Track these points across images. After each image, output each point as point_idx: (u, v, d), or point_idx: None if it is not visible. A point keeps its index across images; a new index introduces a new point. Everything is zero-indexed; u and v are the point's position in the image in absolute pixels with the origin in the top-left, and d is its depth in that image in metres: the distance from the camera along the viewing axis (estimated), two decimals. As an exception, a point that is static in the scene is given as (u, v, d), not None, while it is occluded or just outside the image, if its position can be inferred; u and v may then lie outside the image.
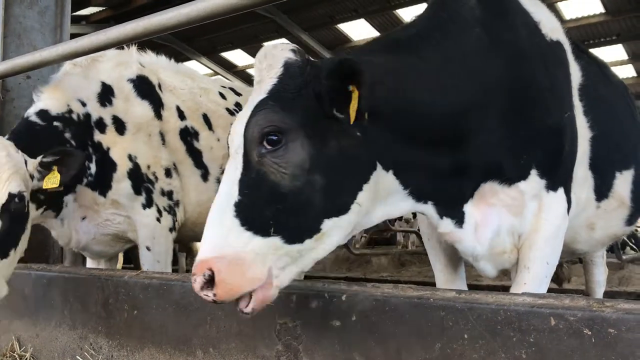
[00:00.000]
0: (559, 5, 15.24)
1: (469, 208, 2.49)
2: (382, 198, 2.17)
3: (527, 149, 2.45)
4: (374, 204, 2.12)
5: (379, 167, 2.10)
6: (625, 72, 18.57)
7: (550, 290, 2.67)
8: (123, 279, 2.50)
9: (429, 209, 2.37)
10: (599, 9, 15.28)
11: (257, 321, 2.05)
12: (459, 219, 2.44)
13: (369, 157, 2.06)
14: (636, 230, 14.52)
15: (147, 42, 3.27)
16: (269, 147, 1.83)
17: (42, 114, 3.34)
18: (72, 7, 4.46)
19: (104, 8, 16.28)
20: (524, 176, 2.45)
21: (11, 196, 2.89)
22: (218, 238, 1.75)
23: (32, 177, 3.07)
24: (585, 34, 16.60)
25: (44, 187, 3.11)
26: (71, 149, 3.35)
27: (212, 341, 2.15)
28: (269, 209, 1.79)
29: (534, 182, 2.46)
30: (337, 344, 1.86)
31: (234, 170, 1.84)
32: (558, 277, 5.26)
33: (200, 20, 2.31)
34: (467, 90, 2.34)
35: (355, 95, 1.90)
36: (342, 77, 1.88)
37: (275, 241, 1.78)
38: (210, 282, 1.67)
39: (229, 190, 1.80)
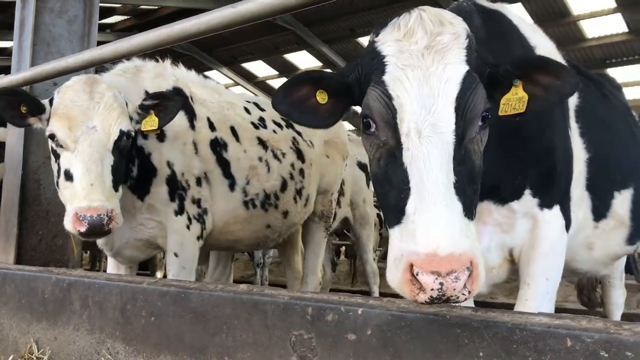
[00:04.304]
0: (582, 23, 15.18)
1: None
2: None
3: (521, 170, 2.51)
4: None
5: None
6: (647, 92, 18.39)
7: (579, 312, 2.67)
8: (142, 286, 2.53)
9: None
10: (622, 28, 15.19)
11: (272, 332, 2.06)
12: None
13: None
14: (656, 253, 14.30)
15: (168, 51, 3.36)
16: (482, 123, 1.77)
17: None
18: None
19: (129, 17, 16.56)
20: (517, 196, 2.53)
21: (122, 133, 3.18)
22: (458, 225, 1.54)
23: (131, 119, 3.30)
24: (607, 53, 16.51)
25: (142, 129, 3.35)
26: (170, 92, 3.56)
27: (228, 350, 2.17)
28: (473, 192, 1.72)
29: (526, 201, 2.54)
30: (351, 357, 1.87)
31: (439, 151, 1.63)
32: (590, 301, 5.21)
33: (221, 28, 2.35)
34: None
35: (517, 90, 1.91)
36: (523, 71, 1.89)
37: (474, 224, 1.67)
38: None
39: (445, 171, 1.61)
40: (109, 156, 3.12)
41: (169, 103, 3.33)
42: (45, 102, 3.27)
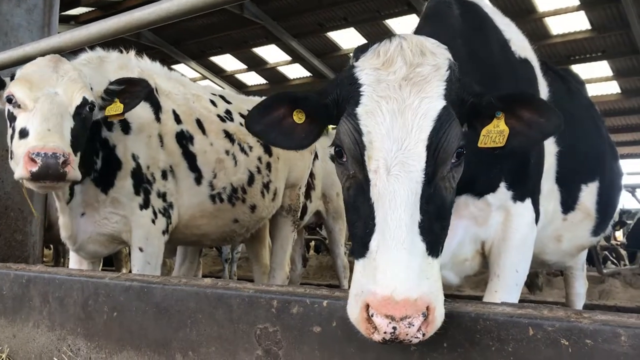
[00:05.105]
0: (547, 20, 15.46)
1: None
2: None
3: (497, 164, 2.51)
4: None
5: None
6: (609, 88, 18.88)
7: (522, 298, 2.71)
8: (103, 281, 2.47)
9: None
10: (586, 25, 15.52)
11: (237, 325, 2.04)
12: None
13: None
14: (617, 245, 14.71)
15: (135, 44, 3.29)
16: (455, 160, 1.70)
17: None
18: (62, 7, 4.44)
19: (94, 9, 16.24)
20: (493, 189, 2.55)
21: (85, 100, 3.08)
22: (418, 268, 1.50)
23: (95, 104, 3.20)
24: (571, 50, 16.85)
25: (106, 115, 3.25)
26: (136, 78, 3.43)
27: (192, 345, 2.13)
28: (441, 228, 1.67)
29: (501, 193, 2.57)
30: (317, 350, 1.86)
31: (406, 190, 1.58)
32: (532, 283, 5.32)
33: (180, 15, 2.33)
34: None
35: (499, 123, 1.86)
36: (507, 104, 1.83)
37: (439, 262, 1.63)
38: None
39: (410, 211, 1.56)
40: (69, 118, 3.00)
41: (134, 89, 3.26)
42: (7, 78, 3.17)
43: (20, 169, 2.79)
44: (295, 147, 2.03)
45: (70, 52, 3.31)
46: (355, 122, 1.68)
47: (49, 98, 2.95)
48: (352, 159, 1.69)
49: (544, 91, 2.94)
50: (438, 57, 1.79)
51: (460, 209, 2.53)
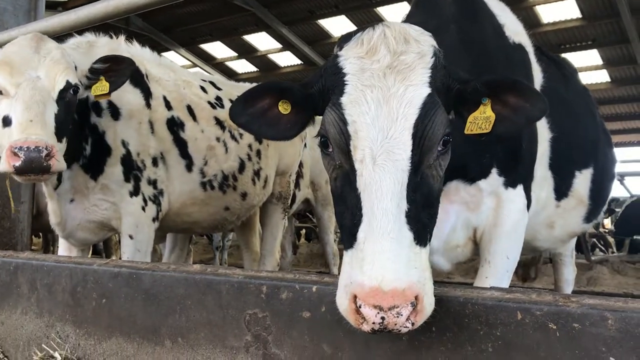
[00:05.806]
0: (538, 8, 15.45)
1: None
2: None
3: (489, 150, 2.50)
4: None
5: None
6: (599, 77, 18.94)
7: (512, 284, 2.72)
8: (92, 267, 2.46)
9: None
10: (576, 13, 15.52)
11: (226, 311, 2.04)
12: None
13: None
14: (605, 232, 14.83)
15: (125, 30, 3.24)
16: (441, 148, 1.69)
17: None
18: (48, -9, 4.40)
19: (82, -5, 16.03)
20: (485, 175, 2.54)
21: (68, 84, 3.03)
22: (406, 258, 1.49)
23: (80, 83, 3.16)
24: (561, 38, 16.86)
25: (93, 94, 3.20)
26: (121, 55, 3.36)
27: (181, 331, 2.13)
28: (428, 217, 1.66)
29: (492, 179, 2.57)
30: (306, 335, 1.86)
31: (392, 179, 1.57)
32: (529, 276, 5.31)
33: (170, -1, 2.29)
34: None
35: (486, 109, 1.83)
36: (493, 90, 1.81)
37: (427, 250, 1.63)
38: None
39: (397, 200, 1.54)
40: (52, 104, 2.97)
41: (120, 66, 3.23)
42: None
43: (3, 163, 2.78)
44: (281, 138, 2.01)
45: (57, 37, 3.27)
46: (340, 111, 1.67)
47: (30, 84, 2.92)
48: (337, 149, 1.69)
49: (538, 77, 2.93)
50: (422, 44, 1.78)
51: (450, 194, 2.54)
